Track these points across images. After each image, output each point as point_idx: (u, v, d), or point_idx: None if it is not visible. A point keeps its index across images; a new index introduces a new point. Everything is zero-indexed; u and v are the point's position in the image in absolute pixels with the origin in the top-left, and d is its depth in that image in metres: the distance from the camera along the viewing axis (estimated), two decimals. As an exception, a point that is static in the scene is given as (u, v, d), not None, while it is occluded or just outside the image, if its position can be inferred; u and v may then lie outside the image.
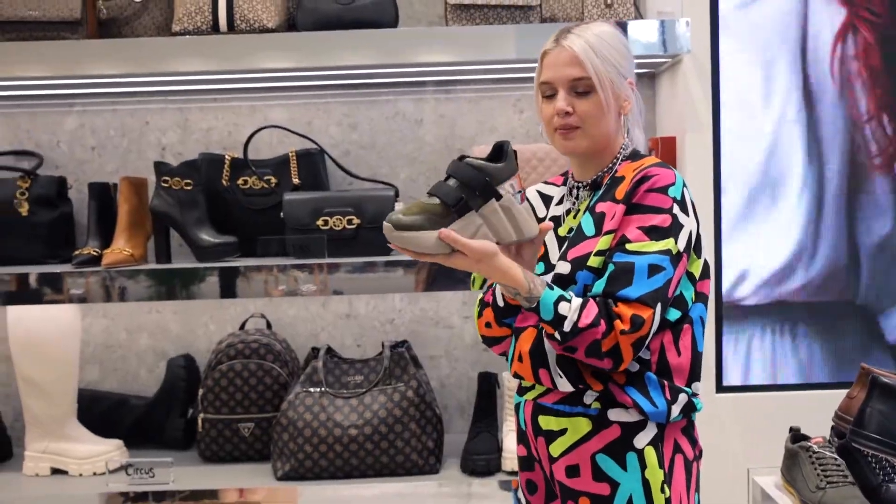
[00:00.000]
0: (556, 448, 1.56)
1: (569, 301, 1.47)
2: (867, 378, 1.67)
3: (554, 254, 1.60)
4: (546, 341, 1.54)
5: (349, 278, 2.13)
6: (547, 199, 1.69)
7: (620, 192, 1.54)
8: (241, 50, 2.12)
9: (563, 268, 1.54)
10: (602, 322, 1.45)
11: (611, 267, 1.48)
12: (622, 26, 2.11)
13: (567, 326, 1.45)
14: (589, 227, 1.55)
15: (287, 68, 2.13)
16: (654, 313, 1.45)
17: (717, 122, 2.20)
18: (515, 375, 1.62)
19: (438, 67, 2.28)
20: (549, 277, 1.56)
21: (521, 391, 1.64)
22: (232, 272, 2.14)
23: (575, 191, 1.63)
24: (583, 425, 1.55)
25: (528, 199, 1.66)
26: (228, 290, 2.15)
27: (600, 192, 1.58)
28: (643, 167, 1.54)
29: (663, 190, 1.50)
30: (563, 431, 1.56)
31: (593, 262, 1.51)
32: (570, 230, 1.60)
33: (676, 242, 1.48)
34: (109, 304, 2.49)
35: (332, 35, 2.12)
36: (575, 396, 1.55)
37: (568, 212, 1.63)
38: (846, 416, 1.71)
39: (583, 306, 1.46)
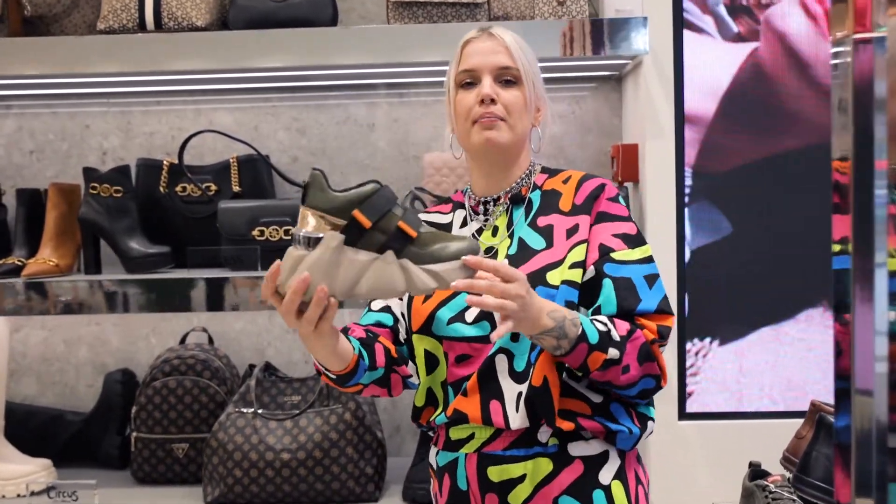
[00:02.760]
0: (517, 497, 1.39)
1: (593, 317, 1.35)
2: (815, 416, 1.49)
3: None
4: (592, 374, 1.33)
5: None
6: (438, 227, 1.53)
7: (565, 204, 1.44)
8: (167, 50, 2.00)
9: None
10: (637, 330, 1.35)
11: (608, 283, 1.37)
12: (576, 24, 1.97)
13: (616, 337, 1.32)
14: (536, 241, 1.43)
15: (213, 69, 2.01)
16: (674, 319, 1.40)
17: (681, 128, 2.04)
18: (455, 414, 1.41)
19: (387, 69, 2.15)
20: None
21: (453, 446, 1.44)
22: (162, 284, 2.02)
23: (482, 207, 1.50)
24: (543, 466, 1.39)
25: None
26: (162, 302, 2.03)
27: (532, 206, 1.46)
28: (580, 179, 1.46)
29: (617, 199, 1.45)
30: (522, 478, 1.39)
31: (570, 275, 1.38)
32: (490, 249, 1.46)
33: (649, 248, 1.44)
34: (47, 316, 2.38)
35: (263, 34, 1.99)
36: (528, 436, 1.39)
37: (480, 231, 1.49)
38: (793, 458, 1.54)
39: (610, 320, 1.35)
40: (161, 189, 2.24)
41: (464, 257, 1.24)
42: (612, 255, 1.39)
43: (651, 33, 1.98)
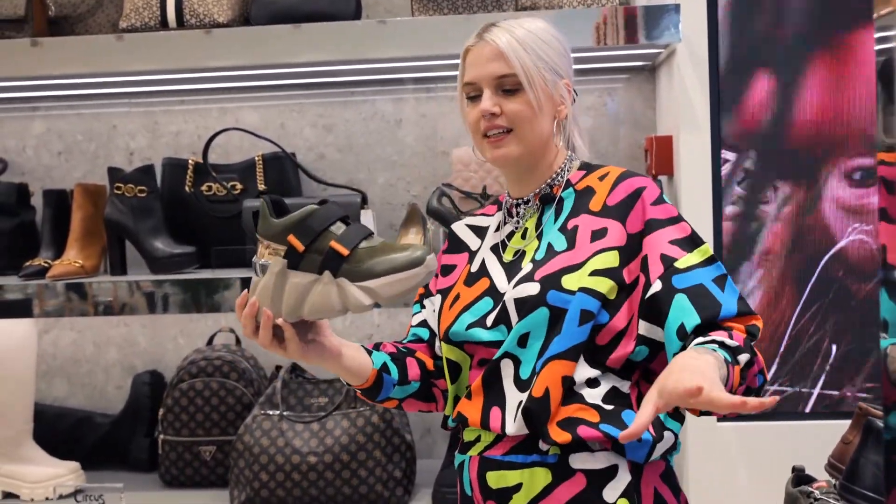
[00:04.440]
0: None
1: (698, 341, 1.23)
2: (862, 421, 1.41)
3: (501, 282, 1.39)
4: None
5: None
6: (480, 231, 1.48)
7: (596, 203, 1.36)
8: (192, 47, 1.97)
9: (531, 288, 1.32)
10: (731, 331, 1.24)
11: (681, 297, 1.27)
12: (607, 13, 1.90)
13: (733, 343, 1.21)
14: (560, 242, 1.36)
15: (238, 66, 1.98)
16: (759, 319, 1.29)
17: (717, 120, 1.97)
18: (458, 417, 1.38)
19: (413, 63, 2.10)
20: (510, 304, 1.35)
21: (463, 447, 1.41)
22: (189, 284, 1.99)
23: (515, 209, 1.44)
24: (540, 477, 1.31)
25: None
26: (189, 303, 2.00)
27: (563, 206, 1.39)
28: (619, 176, 1.38)
29: (661, 200, 1.36)
30: (517, 487, 1.32)
31: (590, 283, 1.30)
32: (517, 253, 1.41)
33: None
34: (76, 317, 2.37)
35: (287, 29, 1.95)
36: (528, 443, 1.32)
37: (510, 235, 1.43)
38: (839, 465, 1.46)
39: (705, 333, 1.24)
40: (187, 188, 2.22)
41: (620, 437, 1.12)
42: (676, 264, 1.29)
43: (684, 21, 1.91)
